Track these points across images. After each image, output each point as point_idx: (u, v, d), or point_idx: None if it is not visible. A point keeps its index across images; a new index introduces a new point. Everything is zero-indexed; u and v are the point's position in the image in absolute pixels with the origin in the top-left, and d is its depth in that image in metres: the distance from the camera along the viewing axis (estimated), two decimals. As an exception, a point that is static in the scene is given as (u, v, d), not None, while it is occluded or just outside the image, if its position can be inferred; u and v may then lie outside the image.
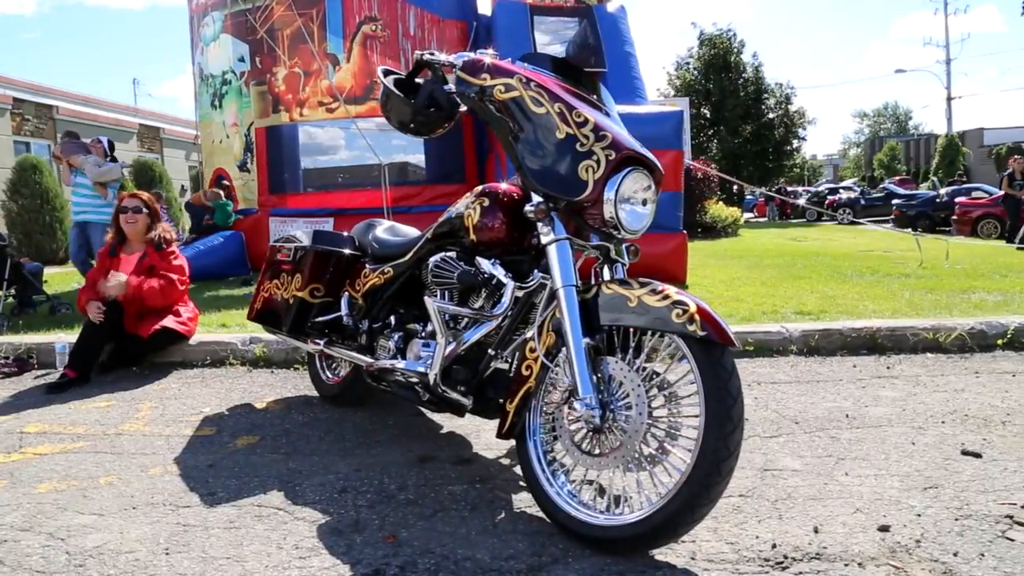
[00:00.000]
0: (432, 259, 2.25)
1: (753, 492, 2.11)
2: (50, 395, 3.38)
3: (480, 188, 2.18)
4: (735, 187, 17.72)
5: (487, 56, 2.08)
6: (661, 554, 1.75)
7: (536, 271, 2.05)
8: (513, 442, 2.05)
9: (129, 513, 2.08)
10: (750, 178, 27.68)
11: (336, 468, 2.39)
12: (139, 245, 3.92)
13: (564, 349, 1.82)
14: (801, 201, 25.78)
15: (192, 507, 2.11)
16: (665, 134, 5.84)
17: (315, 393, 3.25)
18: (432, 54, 2.12)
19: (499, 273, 2.08)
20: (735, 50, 26.62)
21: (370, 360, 2.48)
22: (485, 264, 2.12)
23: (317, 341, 2.85)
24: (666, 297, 1.71)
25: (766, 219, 29.20)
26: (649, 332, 1.78)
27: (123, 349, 3.76)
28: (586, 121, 1.87)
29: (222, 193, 8.49)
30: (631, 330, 1.81)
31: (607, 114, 2.04)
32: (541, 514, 1.93)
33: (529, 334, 1.98)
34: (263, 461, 2.49)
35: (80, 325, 3.81)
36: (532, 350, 1.94)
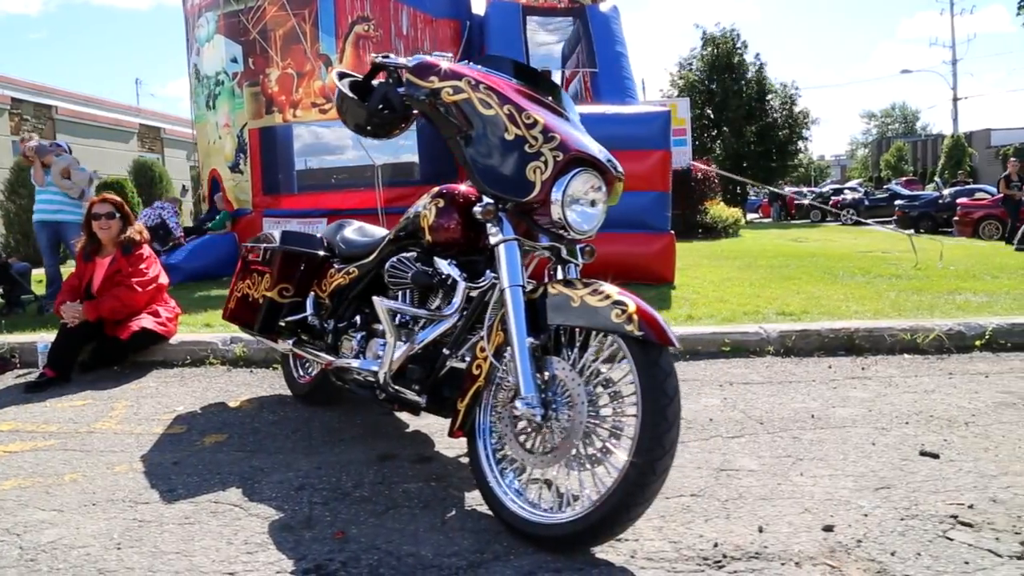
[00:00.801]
0: (389, 260, 2.27)
1: (705, 492, 2.12)
2: (28, 394, 3.42)
3: (437, 189, 2.20)
4: (738, 187, 17.65)
5: (444, 59, 2.09)
6: (602, 552, 1.76)
7: (489, 271, 2.07)
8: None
9: (88, 509, 2.11)
10: (754, 179, 27.59)
11: (298, 466, 2.41)
12: (112, 248, 3.96)
13: (509, 348, 1.84)
14: (806, 201, 25.69)
15: (150, 503, 2.14)
16: (652, 134, 5.85)
17: (289, 392, 3.28)
18: (387, 57, 2.14)
19: (453, 273, 2.10)
20: (738, 51, 26.53)
21: (331, 359, 2.51)
22: (442, 264, 2.15)
23: (287, 341, 2.88)
24: (607, 297, 1.72)
25: (771, 219, 29.17)
26: (593, 331, 1.80)
27: (103, 349, 3.79)
28: (535, 123, 1.88)
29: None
30: (577, 329, 1.83)
31: (565, 117, 2.06)
32: (491, 512, 1.95)
33: (482, 334, 2.00)
34: (228, 459, 2.51)
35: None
36: (482, 349, 1.95)
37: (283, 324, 2.90)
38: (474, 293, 2.09)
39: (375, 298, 2.17)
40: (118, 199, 4.10)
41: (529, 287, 1.90)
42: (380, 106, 2.13)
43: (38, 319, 5.29)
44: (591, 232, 1.94)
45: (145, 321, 3.82)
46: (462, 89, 1.94)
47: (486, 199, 1.96)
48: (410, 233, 2.29)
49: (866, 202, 24.63)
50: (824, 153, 70.78)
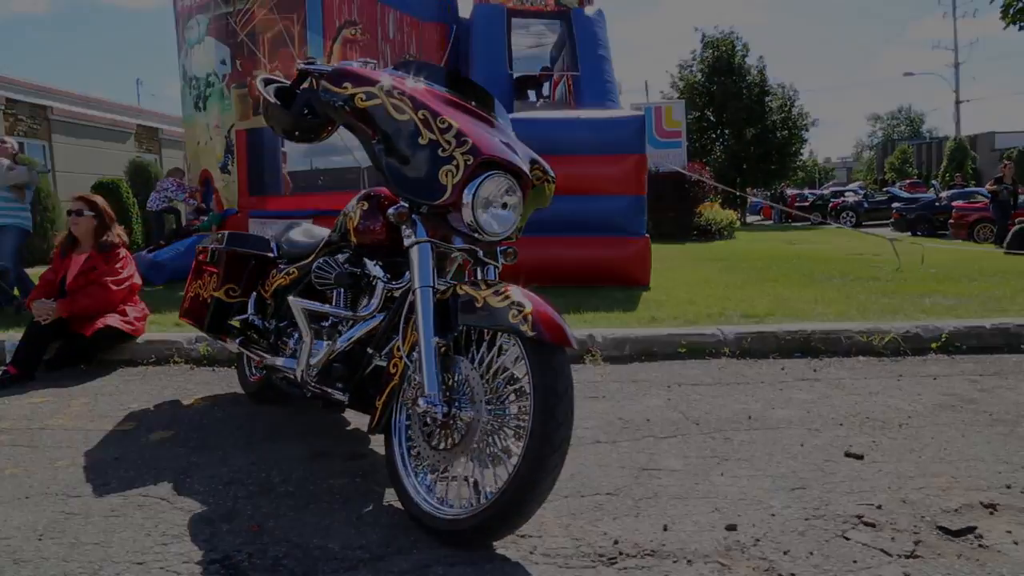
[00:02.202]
0: (316, 261, 2.32)
1: (621, 491, 2.16)
2: (-11, 391, 3.49)
3: (365, 191, 2.26)
4: (737, 189, 17.62)
5: (366, 66, 2.14)
6: (503, 547, 1.80)
7: (408, 272, 2.11)
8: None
9: (20, 502, 2.17)
10: (754, 181, 27.54)
11: (233, 461, 2.46)
12: (88, 246, 4.03)
13: (417, 348, 1.89)
14: (808, 204, 25.62)
15: (82, 497, 2.20)
16: (626, 138, 5.88)
17: (243, 391, 3.33)
18: (311, 63, 2.20)
19: (376, 273, 2.15)
20: (738, 53, 26.52)
21: (263, 356, 2.56)
22: (369, 265, 2.20)
23: (235, 340, 2.93)
24: (507, 298, 1.77)
25: (772, 222, 29.12)
26: (498, 332, 1.84)
27: (69, 347, 3.86)
28: (450, 127, 1.93)
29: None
30: (485, 330, 1.87)
31: (489, 123, 2.10)
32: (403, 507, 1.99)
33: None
34: (169, 454, 2.57)
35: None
36: (399, 349, 2.00)
37: (235, 324, 2.95)
38: (397, 293, 2.14)
39: (290, 297, 2.22)
40: (94, 198, 4.16)
41: (442, 288, 1.95)
42: (305, 112, 2.19)
43: (18, 318, 5.35)
44: (505, 234, 1.98)
45: (111, 319, 3.88)
46: (375, 95, 1.99)
47: (401, 202, 2.01)
48: (343, 235, 2.34)
49: (866, 204, 24.58)
50: (831, 155, 70.70)
